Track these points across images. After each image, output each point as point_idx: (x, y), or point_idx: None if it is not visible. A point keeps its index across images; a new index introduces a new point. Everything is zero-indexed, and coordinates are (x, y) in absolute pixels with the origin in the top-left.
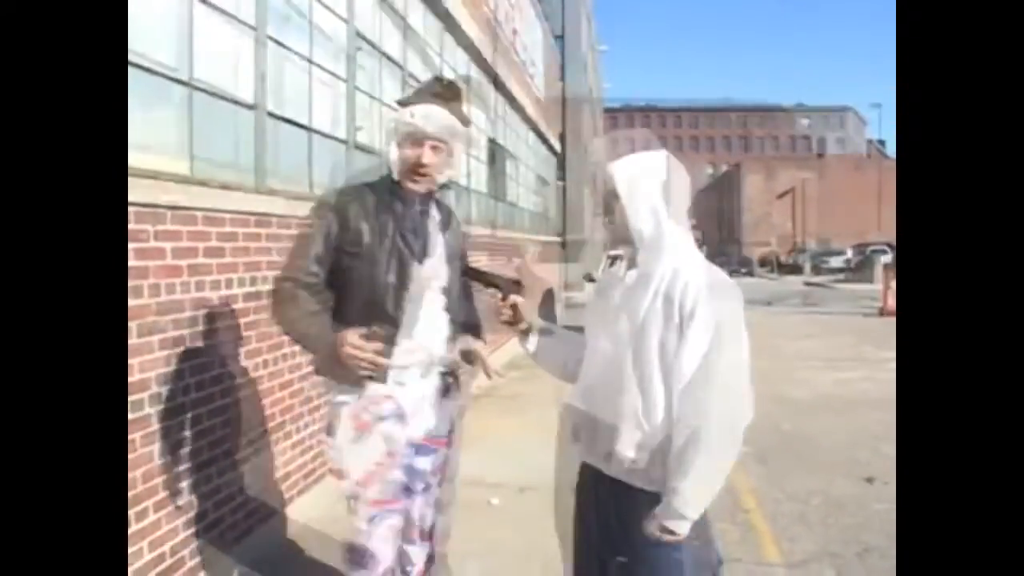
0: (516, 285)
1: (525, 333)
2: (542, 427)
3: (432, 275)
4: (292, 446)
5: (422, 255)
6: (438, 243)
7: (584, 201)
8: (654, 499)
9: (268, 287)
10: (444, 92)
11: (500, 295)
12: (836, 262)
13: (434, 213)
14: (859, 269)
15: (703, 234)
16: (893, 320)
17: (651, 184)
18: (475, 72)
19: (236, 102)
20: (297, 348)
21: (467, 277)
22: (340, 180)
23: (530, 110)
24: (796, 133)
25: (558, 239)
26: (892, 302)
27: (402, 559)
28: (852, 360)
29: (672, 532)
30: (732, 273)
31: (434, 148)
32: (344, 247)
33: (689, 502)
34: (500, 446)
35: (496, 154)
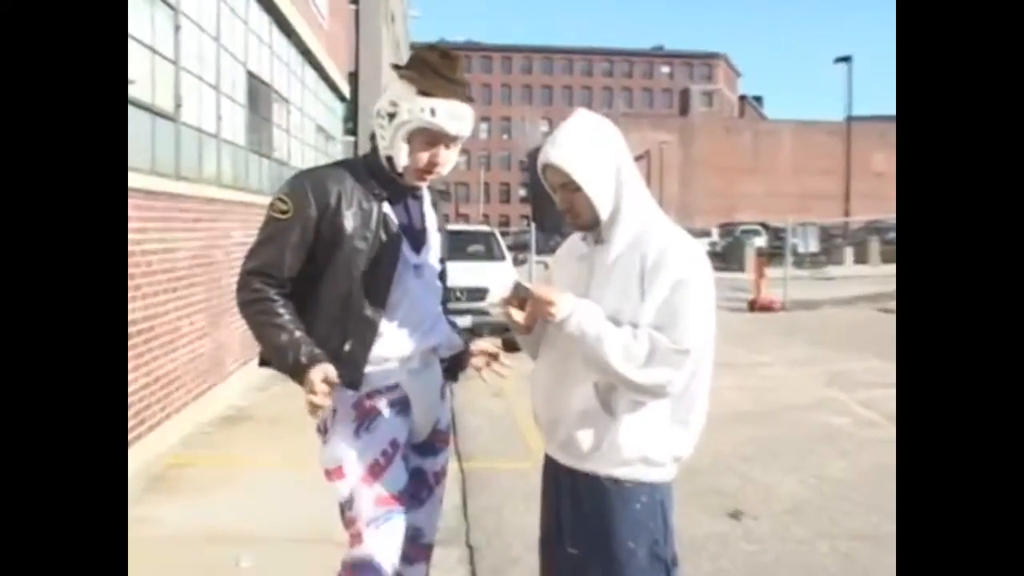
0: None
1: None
2: (310, 459)
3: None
4: None
5: (419, 242)
6: (431, 226)
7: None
8: (605, 490)
9: None
10: (459, 79)
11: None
12: None
13: (424, 195)
14: (726, 254)
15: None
16: (765, 316)
17: (602, 163)
18: None
19: None
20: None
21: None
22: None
23: (310, 42)
24: (654, 84)
25: None
26: (765, 295)
27: None
28: (718, 365)
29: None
30: None
31: (449, 146)
32: (326, 236)
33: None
34: (256, 486)
35: (260, 96)
